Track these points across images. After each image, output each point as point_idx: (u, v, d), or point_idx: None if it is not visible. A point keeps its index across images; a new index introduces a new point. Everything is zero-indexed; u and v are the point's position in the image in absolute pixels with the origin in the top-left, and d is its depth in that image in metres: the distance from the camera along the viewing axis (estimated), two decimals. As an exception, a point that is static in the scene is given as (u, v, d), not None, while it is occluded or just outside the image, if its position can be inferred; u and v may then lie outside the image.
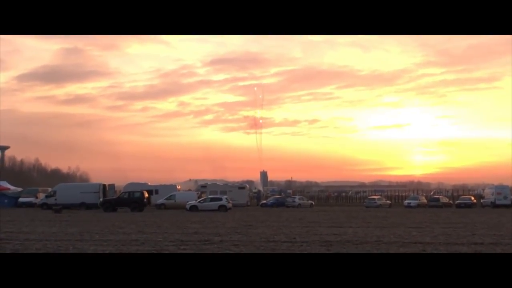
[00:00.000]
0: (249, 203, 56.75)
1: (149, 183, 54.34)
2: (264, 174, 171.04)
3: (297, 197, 64.07)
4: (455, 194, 76.39)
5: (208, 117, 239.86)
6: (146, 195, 44.11)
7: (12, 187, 56.69)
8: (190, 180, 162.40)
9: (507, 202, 51.37)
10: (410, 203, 55.49)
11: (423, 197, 61.91)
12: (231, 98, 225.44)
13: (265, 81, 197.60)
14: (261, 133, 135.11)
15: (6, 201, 51.19)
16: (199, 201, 44.59)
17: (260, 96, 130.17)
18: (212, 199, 44.65)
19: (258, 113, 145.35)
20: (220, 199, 44.30)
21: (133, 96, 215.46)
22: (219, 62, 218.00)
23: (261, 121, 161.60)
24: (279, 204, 56.17)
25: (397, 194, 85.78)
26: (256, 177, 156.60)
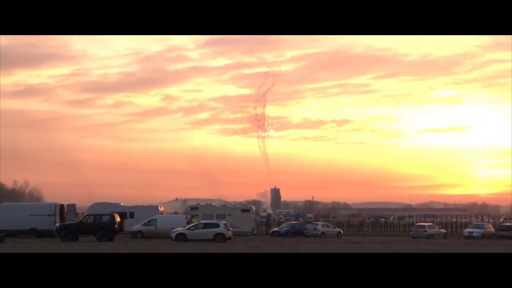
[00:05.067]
0: (255, 231, 56.79)
1: (122, 204, 54.53)
2: (275, 193, 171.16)
3: (320, 223, 64.07)
4: (532, 221, 76.14)
5: (203, 115, 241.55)
6: (118, 219, 44.20)
7: None
8: (176, 199, 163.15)
9: None
10: (472, 232, 55.33)
11: (490, 225, 61.72)
12: (233, 90, 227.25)
13: (280, 68, 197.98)
14: (263, 137, 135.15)
15: None
16: (188, 228, 44.65)
17: (268, 86, 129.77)
18: (205, 225, 44.69)
19: (266, 110, 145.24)
20: (217, 226, 44.32)
21: (103, 88, 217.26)
22: (218, 43, 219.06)
23: (272, 122, 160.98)
24: (296, 232, 56.13)
25: (454, 220, 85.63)
26: (265, 196, 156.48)
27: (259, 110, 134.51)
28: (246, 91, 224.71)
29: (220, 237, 42.48)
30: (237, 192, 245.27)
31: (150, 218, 48.83)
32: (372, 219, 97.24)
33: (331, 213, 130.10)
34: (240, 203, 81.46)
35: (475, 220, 78.11)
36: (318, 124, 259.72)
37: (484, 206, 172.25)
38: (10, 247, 33.96)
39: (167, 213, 61.21)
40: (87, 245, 36.70)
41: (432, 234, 55.49)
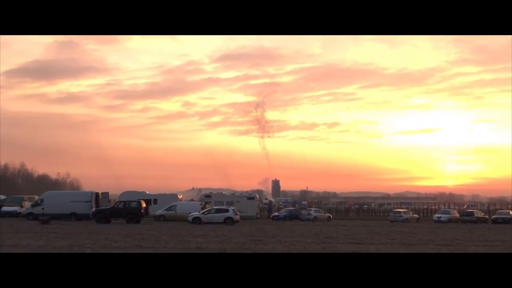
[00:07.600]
0: (259, 216, 56.79)
1: (147, 192, 54.56)
2: (276, 183, 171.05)
3: (313, 209, 63.97)
4: (491, 208, 76.01)
5: (216, 119, 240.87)
6: (144, 205, 44.23)
7: (-6, 195, 57.15)
8: (193, 188, 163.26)
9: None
10: (440, 217, 55.26)
11: (455, 211, 61.61)
12: (241, 98, 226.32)
13: (280, 79, 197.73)
14: (263, 136, 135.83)
15: (-13, 210, 51.49)
16: (202, 213, 44.71)
17: (270, 94, 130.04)
18: (217, 211, 44.72)
19: (265, 113, 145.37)
20: (227, 211, 44.37)
21: (132, 95, 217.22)
22: (229, 58, 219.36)
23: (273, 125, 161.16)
24: (293, 217, 56.17)
25: (425, 207, 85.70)
26: (265, 183, 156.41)
27: (262, 114, 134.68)
28: (252, 99, 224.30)
29: (229, 221, 42.55)
30: (244, 182, 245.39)
31: (171, 204, 48.86)
32: (356, 206, 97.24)
33: (323, 200, 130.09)
34: (246, 192, 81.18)
35: (443, 207, 77.98)
36: (312, 126, 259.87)
37: (451, 195, 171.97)
38: (54, 228, 34.11)
39: (185, 200, 61.23)
40: (117, 227, 36.80)
41: (407, 218, 55.56)
